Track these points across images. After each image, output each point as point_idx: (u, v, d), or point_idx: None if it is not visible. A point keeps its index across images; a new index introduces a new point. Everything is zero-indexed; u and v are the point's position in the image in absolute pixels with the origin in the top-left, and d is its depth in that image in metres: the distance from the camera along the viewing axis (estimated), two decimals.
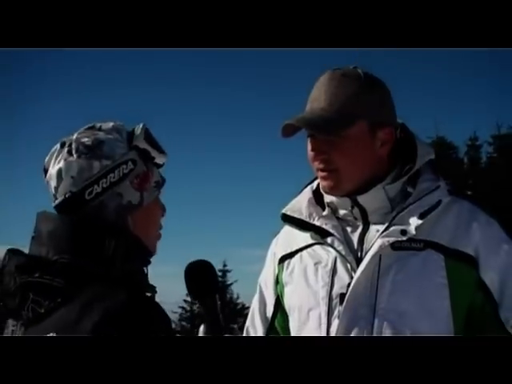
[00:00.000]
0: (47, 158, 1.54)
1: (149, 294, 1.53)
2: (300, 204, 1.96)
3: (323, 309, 1.81)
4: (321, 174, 1.88)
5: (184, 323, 19.93)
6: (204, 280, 1.68)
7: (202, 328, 1.65)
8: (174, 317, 20.37)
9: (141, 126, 1.57)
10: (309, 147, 1.88)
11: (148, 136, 1.56)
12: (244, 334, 2.11)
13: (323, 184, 1.89)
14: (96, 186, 1.46)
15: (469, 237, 1.79)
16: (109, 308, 1.34)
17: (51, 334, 1.37)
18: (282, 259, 2.02)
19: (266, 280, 2.09)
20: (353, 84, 1.83)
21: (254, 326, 2.08)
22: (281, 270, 2.01)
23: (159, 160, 1.59)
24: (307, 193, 2.00)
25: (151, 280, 1.57)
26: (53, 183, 1.51)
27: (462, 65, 24.09)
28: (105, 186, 1.46)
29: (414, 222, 1.76)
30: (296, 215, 1.94)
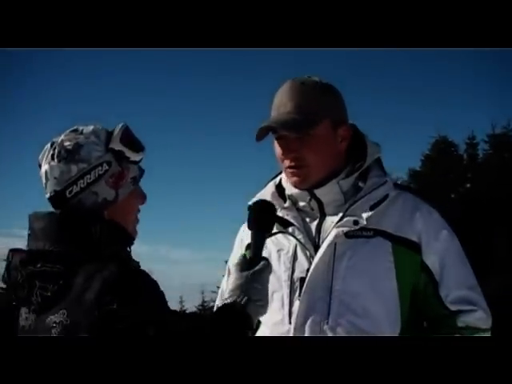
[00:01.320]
0: (40, 156, 1.62)
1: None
2: (264, 197, 2.00)
3: (285, 291, 1.89)
4: (291, 170, 1.92)
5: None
6: (269, 217, 1.79)
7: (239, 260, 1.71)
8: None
9: (119, 126, 1.62)
10: (278, 148, 1.93)
11: (124, 137, 1.61)
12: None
13: (293, 179, 1.93)
14: (75, 186, 1.55)
15: (412, 225, 1.88)
16: (105, 279, 1.43)
17: (61, 312, 1.46)
18: (249, 246, 2.04)
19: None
20: (312, 89, 1.90)
21: None
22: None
23: (135, 158, 1.63)
24: (270, 187, 2.05)
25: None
26: (43, 180, 1.61)
27: (462, 66, 24.80)
28: (82, 186, 1.55)
29: (365, 213, 1.85)
30: None
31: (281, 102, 1.90)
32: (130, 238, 1.64)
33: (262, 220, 1.77)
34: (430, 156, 17.96)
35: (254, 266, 1.68)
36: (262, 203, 1.83)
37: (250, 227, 1.78)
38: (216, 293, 21.72)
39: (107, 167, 1.57)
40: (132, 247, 1.65)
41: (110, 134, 1.61)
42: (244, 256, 1.72)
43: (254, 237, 1.75)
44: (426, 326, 1.92)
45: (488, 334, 1.90)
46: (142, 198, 1.68)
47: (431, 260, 1.87)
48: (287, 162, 1.91)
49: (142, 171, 1.67)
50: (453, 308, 1.87)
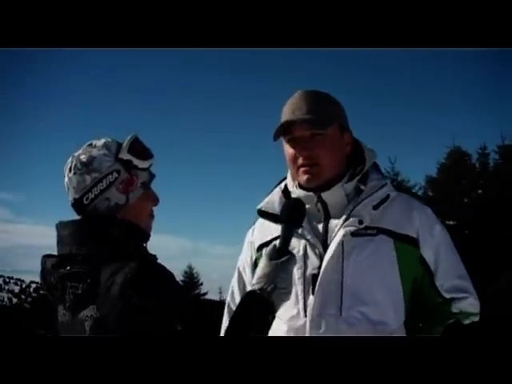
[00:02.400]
0: (64, 167, 1.72)
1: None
2: (272, 201, 2.07)
3: (299, 287, 1.92)
4: (304, 168, 1.95)
5: None
6: (299, 214, 1.87)
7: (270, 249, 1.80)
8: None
9: (128, 138, 1.71)
10: (290, 148, 1.96)
11: (132, 147, 1.69)
12: (225, 309, 2.21)
13: (305, 177, 1.95)
14: (90, 194, 1.66)
15: (411, 222, 1.94)
16: (126, 274, 1.50)
17: (91, 306, 1.56)
18: (260, 247, 2.11)
19: (244, 265, 2.19)
20: (322, 97, 1.99)
21: (235, 303, 2.16)
22: (259, 256, 2.09)
23: (143, 165, 1.71)
24: (277, 192, 2.09)
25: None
26: (66, 190, 1.71)
27: (479, 78, 25.86)
28: (96, 193, 1.66)
29: (368, 212, 1.90)
30: (270, 211, 2.05)
31: (295, 107, 1.94)
32: (145, 235, 1.72)
33: (293, 216, 1.84)
34: (445, 164, 18.51)
35: (282, 256, 1.74)
36: (295, 201, 1.91)
37: (281, 221, 1.85)
38: None
39: (117, 175, 1.67)
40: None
41: (119, 146, 1.69)
42: (274, 246, 1.79)
43: (284, 230, 1.81)
44: (424, 313, 1.99)
45: (477, 318, 1.97)
46: (154, 200, 1.76)
47: (428, 253, 1.93)
48: (300, 161, 1.95)
49: (152, 176, 1.75)
50: (447, 296, 1.94)
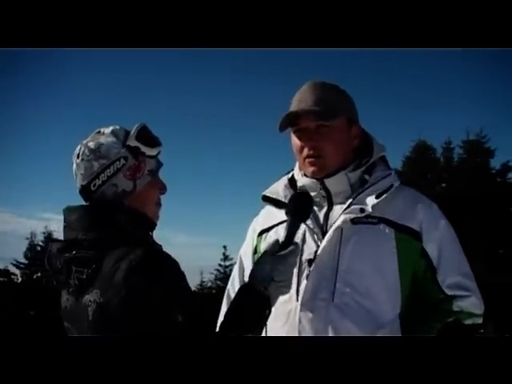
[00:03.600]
0: (73, 155, 1.70)
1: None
2: (278, 188, 2.04)
3: (294, 271, 1.79)
4: (309, 160, 1.92)
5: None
6: (307, 208, 1.82)
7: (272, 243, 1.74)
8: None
9: (136, 125, 1.69)
10: (296, 139, 1.93)
11: (140, 135, 1.67)
12: (225, 296, 2.16)
13: (311, 169, 1.92)
14: (97, 180, 1.64)
15: (414, 215, 1.88)
16: (131, 260, 1.48)
17: (95, 292, 1.53)
18: (261, 233, 2.08)
19: (246, 251, 2.14)
20: (330, 89, 1.95)
21: (234, 289, 2.11)
22: (259, 241, 2.07)
23: (150, 152, 1.68)
24: (284, 180, 2.06)
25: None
26: (74, 177, 1.69)
27: (445, 73, 26.10)
28: (104, 179, 1.64)
29: (371, 201, 1.84)
30: (274, 196, 2.02)
31: (301, 99, 1.93)
32: (151, 223, 1.71)
33: (300, 209, 1.81)
34: (410, 157, 18.77)
35: (283, 249, 1.71)
36: (303, 195, 1.88)
37: (287, 213, 1.81)
38: (213, 274, 22.83)
39: (124, 162, 1.65)
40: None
41: (127, 133, 1.68)
42: (276, 240, 1.75)
43: (289, 223, 1.77)
44: (425, 308, 1.92)
45: (481, 320, 1.92)
46: (162, 188, 1.74)
47: (430, 247, 1.87)
48: (306, 152, 1.92)
49: (159, 164, 1.73)
50: (449, 292, 1.88)
